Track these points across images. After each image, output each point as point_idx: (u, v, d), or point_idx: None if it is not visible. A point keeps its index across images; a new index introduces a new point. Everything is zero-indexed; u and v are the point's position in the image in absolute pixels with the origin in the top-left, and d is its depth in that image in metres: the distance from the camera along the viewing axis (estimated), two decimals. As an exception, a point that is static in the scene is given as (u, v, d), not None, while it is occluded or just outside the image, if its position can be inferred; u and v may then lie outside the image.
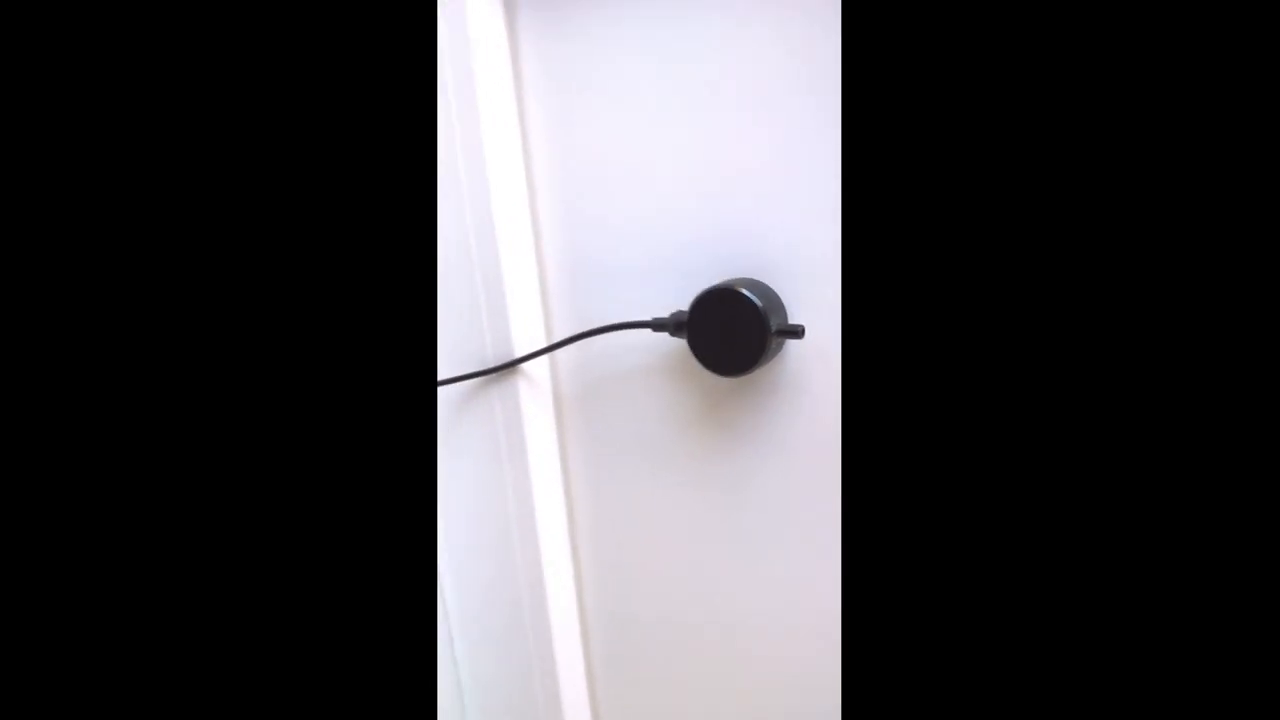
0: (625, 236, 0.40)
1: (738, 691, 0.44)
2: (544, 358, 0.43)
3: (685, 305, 0.36)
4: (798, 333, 0.33)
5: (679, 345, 0.38)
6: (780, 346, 0.35)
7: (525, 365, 0.42)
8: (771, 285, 0.36)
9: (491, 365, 0.42)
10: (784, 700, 0.42)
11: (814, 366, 0.36)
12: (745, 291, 0.33)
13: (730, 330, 0.34)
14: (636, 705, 0.49)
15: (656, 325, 0.37)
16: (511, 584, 0.47)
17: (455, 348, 0.43)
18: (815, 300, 0.35)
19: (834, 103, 0.33)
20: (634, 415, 0.42)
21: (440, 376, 0.44)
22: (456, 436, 0.45)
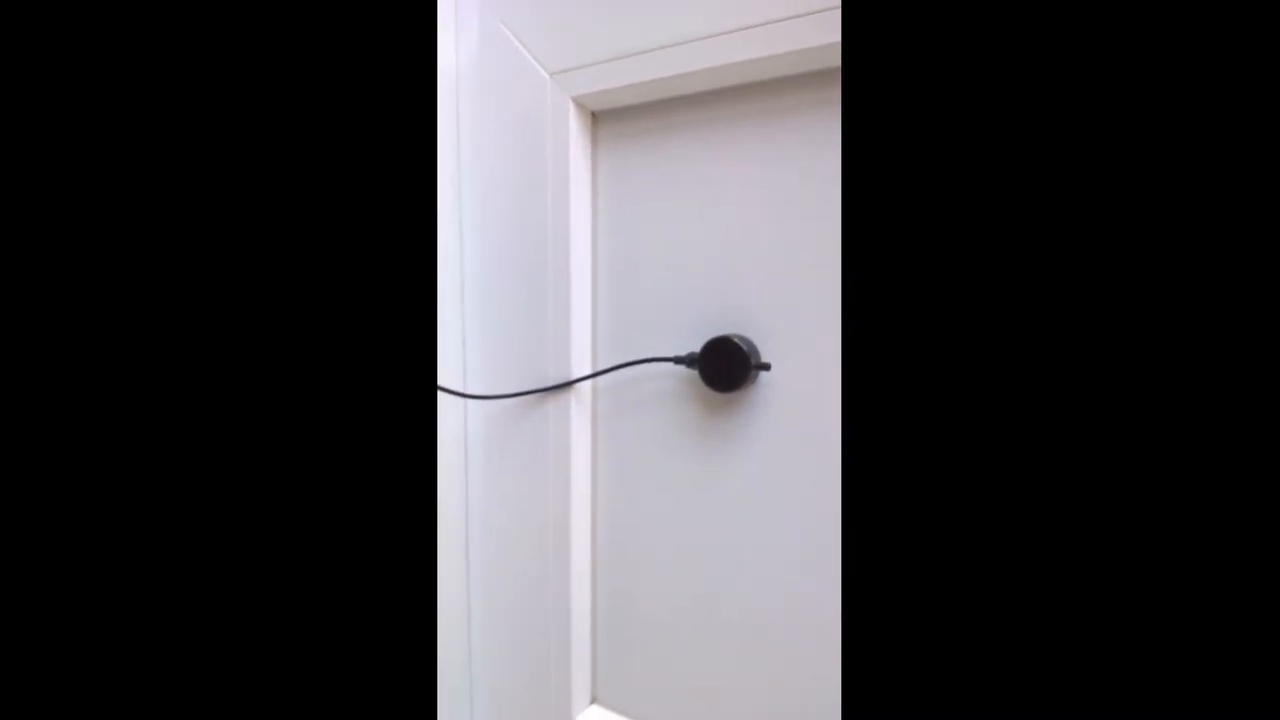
0: (657, 299, 0.57)
1: (730, 655, 0.57)
2: (590, 380, 0.60)
3: (697, 347, 0.54)
4: (767, 367, 0.52)
5: (691, 374, 0.56)
6: (756, 376, 0.53)
7: (577, 385, 0.58)
8: (751, 338, 0.53)
9: (552, 384, 0.59)
10: (778, 656, 0.55)
11: (775, 389, 0.53)
12: (736, 340, 0.51)
13: (727, 364, 0.51)
14: (634, 665, 0.62)
15: (677, 360, 0.54)
16: (540, 560, 0.61)
17: (528, 369, 0.59)
18: (778, 349, 0.52)
19: (803, 231, 0.51)
20: (656, 421, 0.58)
21: (514, 390, 0.60)
22: (519, 436, 0.61)
